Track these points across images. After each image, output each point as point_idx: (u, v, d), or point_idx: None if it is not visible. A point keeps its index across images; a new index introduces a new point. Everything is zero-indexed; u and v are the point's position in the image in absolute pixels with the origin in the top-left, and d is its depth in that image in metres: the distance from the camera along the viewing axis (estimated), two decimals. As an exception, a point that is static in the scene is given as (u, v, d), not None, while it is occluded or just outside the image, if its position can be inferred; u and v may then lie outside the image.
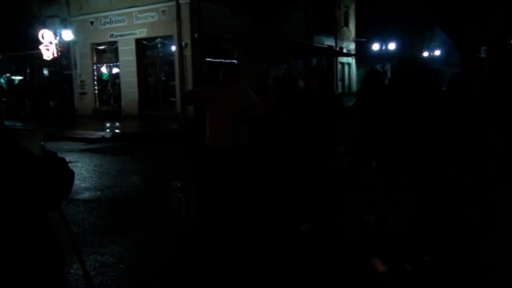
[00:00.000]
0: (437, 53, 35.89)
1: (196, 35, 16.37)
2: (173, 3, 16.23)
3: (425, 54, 36.83)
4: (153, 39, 17.50)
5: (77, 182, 7.04)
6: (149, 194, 6.41)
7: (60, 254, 1.78)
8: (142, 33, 17.33)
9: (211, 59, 17.86)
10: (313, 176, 4.59)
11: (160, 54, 17.99)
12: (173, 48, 16.83)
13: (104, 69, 19.56)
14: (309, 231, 4.45)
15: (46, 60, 17.19)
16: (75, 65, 19.55)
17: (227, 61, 18.82)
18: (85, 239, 4.50)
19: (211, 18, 16.82)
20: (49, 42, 15.54)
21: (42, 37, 15.56)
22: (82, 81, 19.38)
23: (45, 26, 17.53)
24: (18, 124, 15.87)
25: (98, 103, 19.42)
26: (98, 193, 6.30)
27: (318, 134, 4.52)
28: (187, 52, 16.46)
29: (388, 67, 36.24)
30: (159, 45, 17.76)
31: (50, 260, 1.72)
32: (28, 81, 21.64)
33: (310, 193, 4.64)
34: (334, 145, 4.75)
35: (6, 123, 8.74)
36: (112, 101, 19.22)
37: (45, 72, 21.31)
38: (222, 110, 4.32)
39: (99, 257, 4.01)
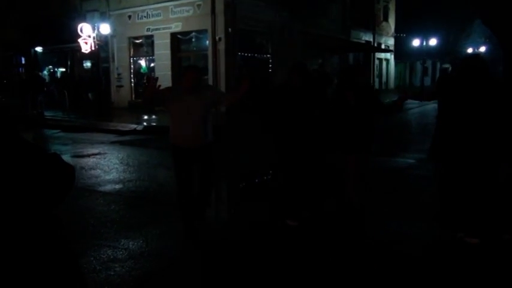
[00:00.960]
0: (482, 49, 34.41)
1: (230, 30, 16.42)
2: (208, -3, 16.29)
3: (470, 50, 35.39)
4: (187, 33, 17.65)
5: (100, 173, 7.22)
6: (169, 189, 6.45)
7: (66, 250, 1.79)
8: (177, 27, 17.50)
9: (245, 53, 17.86)
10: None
11: (195, 49, 18.13)
12: (207, 42, 16.91)
13: (142, 63, 19.90)
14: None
15: (86, 53, 17.74)
16: (113, 58, 20.02)
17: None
18: (100, 232, 4.58)
19: (245, 12, 16.79)
20: (87, 36, 15.94)
21: (81, 31, 15.97)
22: (119, 74, 19.83)
23: (85, 20, 18.06)
24: (58, 114, 16.47)
25: (133, 96, 19.82)
26: (120, 186, 6.40)
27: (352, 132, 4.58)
28: (221, 46, 16.49)
29: (429, 63, 35.15)
30: (193, 40, 17.89)
31: (52, 254, 1.73)
32: (69, 73, 22.37)
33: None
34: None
35: (48, 113, 9.23)
36: (147, 94, 19.52)
37: (85, 65, 21.97)
38: (190, 113, 4.28)
39: (109, 251, 4.07)
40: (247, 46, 17.84)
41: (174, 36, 17.82)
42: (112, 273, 3.63)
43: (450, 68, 28.87)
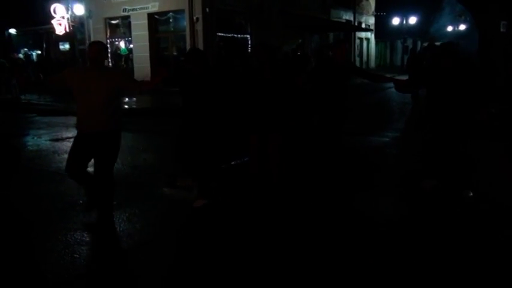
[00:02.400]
0: (462, 27, 34.66)
1: (207, 9, 16.23)
2: (185, -24, 16.02)
3: (450, 29, 35.64)
4: (165, 13, 17.41)
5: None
6: (141, 172, 6.44)
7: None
8: (154, 7, 17.25)
9: (224, 34, 17.70)
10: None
11: (172, 29, 17.91)
12: (185, 22, 16.70)
13: (122, 44, 19.56)
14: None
15: (61, 35, 17.39)
16: (90, 39, 19.63)
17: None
18: (69, 215, 4.57)
19: (223, -9, 16.61)
20: (61, 17, 15.63)
21: (54, 12, 15.69)
22: (96, 56, 19.48)
23: (59, 0, 17.65)
24: (33, 98, 16.17)
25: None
26: (91, 169, 6.35)
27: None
28: (199, 27, 16.32)
29: (409, 42, 35.24)
30: (171, 20, 17.66)
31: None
32: (45, 56, 21.92)
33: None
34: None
35: (24, 97, 8.91)
36: (126, 76, 19.29)
37: (62, 47, 21.53)
38: (92, 93, 4.07)
39: (76, 234, 4.07)
40: (226, 26, 17.68)
41: (151, 16, 17.57)
42: (77, 255, 3.65)
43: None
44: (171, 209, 4.85)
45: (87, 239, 4.00)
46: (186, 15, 16.38)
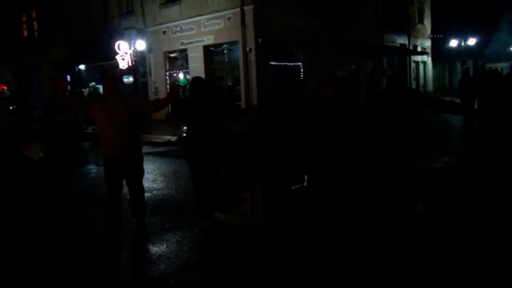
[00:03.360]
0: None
1: (260, 40, 16.74)
2: (238, 9, 16.69)
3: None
4: (219, 45, 18.14)
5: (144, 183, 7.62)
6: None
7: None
8: (209, 40, 18.04)
9: (276, 63, 18.11)
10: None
11: (227, 60, 18.58)
12: (238, 53, 17.31)
13: (181, 75, 20.50)
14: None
15: (124, 69, 18.60)
16: (150, 72, 20.83)
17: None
18: (121, 236, 4.92)
19: (275, 22, 17.07)
20: (124, 53, 16.74)
21: (118, 48, 16.81)
22: (156, 88, 20.58)
23: (123, 37, 18.96)
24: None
25: (170, 108, 20.44)
26: (147, 194, 6.73)
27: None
28: (252, 57, 16.83)
29: (470, 64, 34.01)
30: (225, 51, 18.35)
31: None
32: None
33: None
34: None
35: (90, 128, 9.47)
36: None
37: (126, 80, 22.93)
38: (115, 118, 4.56)
39: (127, 253, 4.39)
40: (278, 55, 18.10)
41: (206, 48, 18.36)
42: (127, 275, 3.94)
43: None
44: (220, 233, 5.06)
45: (137, 259, 4.29)
46: (240, 46, 16.98)
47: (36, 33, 28.21)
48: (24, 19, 28.78)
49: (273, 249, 4.43)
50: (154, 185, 7.43)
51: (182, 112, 5.28)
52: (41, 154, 2.61)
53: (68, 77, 25.18)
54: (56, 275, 2.10)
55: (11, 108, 16.16)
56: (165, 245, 4.62)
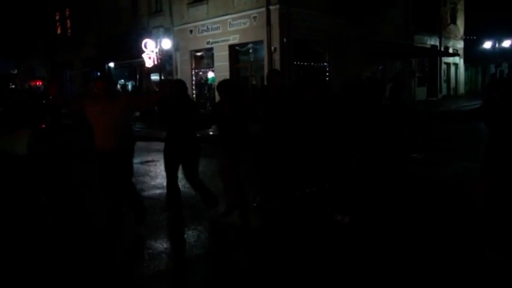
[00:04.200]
0: None
1: (284, 40, 16.69)
2: (263, 9, 16.68)
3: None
4: (245, 45, 18.19)
5: (148, 179, 7.77)
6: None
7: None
8: (235, 39, 18.11)
9: (301, 63, 18.02)
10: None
11: (252, 59, 18.62)
12: (263, 53, 17.30)
13: (210, 74, 20.64)
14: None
15: (152, 67, 18.97)
16: (177, 71, 21.09)
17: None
18: (129, 231, 5.01)
19: (300, 22, 16.99)
20: (151, 51, 17.01)
21: (145, 46, 17.10)
22: (182, 86, 20.78)
23: (151, 36, 19.28)
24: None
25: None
26: (161, 191, 6.81)
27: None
28: (276, 56, 16.80)
29: (505, 67, 32.90)
30: (250, 51, 18.39)
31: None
32: (138, 86, 23.88)
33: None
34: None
35: None
36: (208, 104, 20.35)
37: (153, 78, 23.33)
38: (107, 120, 4.70)
39: (132, 248, 4.45)
40: (303, 55, 17.99)
41: (232, 48, 18.45)
42: (129, 267, 4.00)
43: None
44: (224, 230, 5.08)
45: (141, 253, 4.36)
46: (265, 45, 16.98)
47: (69, 31, 29.03)
48: (57, 17, 29.67)
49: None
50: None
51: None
52: (31, 140, 2.74)
53: (98, 73, 25.88)
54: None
55: (44, 102, 16.66)
56: (171, 240, 4.69)
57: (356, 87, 5.44)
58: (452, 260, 4.02)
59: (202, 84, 20.82)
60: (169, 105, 5.29)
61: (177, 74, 21.02)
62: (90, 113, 4.85)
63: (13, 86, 32.87)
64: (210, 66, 19.95)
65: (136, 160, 9.86)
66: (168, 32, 20.26)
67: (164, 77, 20.12)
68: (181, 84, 5.66)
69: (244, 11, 17.43)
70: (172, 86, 5.48)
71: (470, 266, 3.88)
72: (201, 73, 20.83)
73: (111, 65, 24.32)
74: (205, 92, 20.80)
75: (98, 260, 4.25)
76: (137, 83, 24.01)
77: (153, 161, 9.73)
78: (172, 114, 5.28)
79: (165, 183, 7.22)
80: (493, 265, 3.84)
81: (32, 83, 32.05)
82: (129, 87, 25.13)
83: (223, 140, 5.45)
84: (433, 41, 25.73)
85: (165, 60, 19.73)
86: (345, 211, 5.03)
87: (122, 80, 25.52)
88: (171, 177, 5.51)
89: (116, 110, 4.77)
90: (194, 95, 20.65)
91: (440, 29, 25.94)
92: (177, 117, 5.26)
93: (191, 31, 19.78)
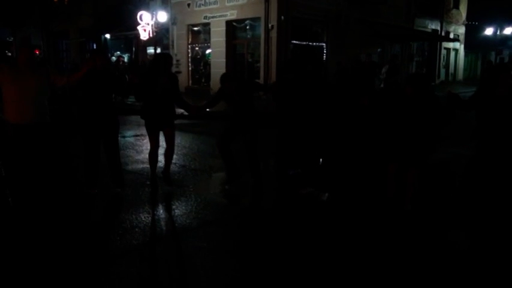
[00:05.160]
0: None
1: (282, 17, 16.43)
2: (262, -16, 16.37)
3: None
4: (242, 21, 17.90)
5: (133, 153, 7.71)
6: (189, 172, 6.74)
7: None
8: (232, 15, 17.81)
9: (299, 42, 17.77)
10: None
11: (249, 36, 18.35)
12: (261, 30, 17.04)
13: (208, 50, 20.31)
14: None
15: (149, 40, 18.66)
16: (173, 45, 20.78)
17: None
18: (107, 207, 4.97)
19: (299, 0, 16.71)
20: (146, 23, 16.71)
21: (141, 18, 16.78)
22: (177, 61, 20.53)
23: (147, 7, 18.92)
24: (117, 98, 17.38)
25: (190, 82, 20.49)
26: (144, 165, 6.78)
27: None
28: (273, 34, 16.58)
29: (505, 54, 32.63)
30: (247, 27, 18.12)
31: None
32: (133, 59, 23.58)
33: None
34: None
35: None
36: (203, 80, 20.18)
37: (149, 51, 22.99)
38: (24, 87, 4.55)
39: (107, 224, 4.42)
40: (301, 34, 17.75)
41: (229, 23, 18.16)
42: (100, 242, 3.97)
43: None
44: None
45: (115, 228, 4.33)
46: (262, 22, 16.72)
47: (66, 0, 28.46)
48: (54, -15, 29.06)
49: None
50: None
51: None
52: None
53: (94, 45, 25.51)
54: None
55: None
56: (144, 216, 4.66)
57: (345, 71, 5.46)
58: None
59: (198, 59, 20.57)
60: (149, 79, 5.28)
61: (173, 48, 20.73)
62: (7, 81, 4.63)
63: (9, 54, 32.44)
64: (207, 41, 19.66)
65: (127, 134, 9.88)
66: (165, 4, 19.90)
67: (160, 50, 19.85)
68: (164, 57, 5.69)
69: (242, -15, 17.09)
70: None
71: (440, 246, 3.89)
72: (197, 48, 20.55)
73: (107, 36, 23.97)
74: (201, 67, 20.57)
75: (64, 235, 4.23)
76: (133, 56, 23.70)
77: (142, 135, 9.63)
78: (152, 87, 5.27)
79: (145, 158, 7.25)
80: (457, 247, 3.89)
81: (28, 52, 31.56)
82: (126, 59, 24.80)
83: (237, 121, 5.64)
84: (434, 25, 25.38)
85: (161, 34, 19.43)
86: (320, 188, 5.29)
87: (118, 52, 25.18)
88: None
89: (37, 81, 4.69)
90: (190, 70, 20.46)
91: (442, 13, 25.56)
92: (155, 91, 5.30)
93: (189, 5, 19.42)
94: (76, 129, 5.33)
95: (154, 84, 5.26)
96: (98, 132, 5.19)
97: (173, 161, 6.14)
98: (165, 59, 5.56)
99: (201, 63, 20.55)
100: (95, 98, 5.13)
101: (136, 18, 18.43)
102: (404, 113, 4.57)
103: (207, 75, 19.74)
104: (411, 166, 4.67)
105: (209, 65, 19.58)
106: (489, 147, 4.47)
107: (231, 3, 17.67)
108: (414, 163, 4.66)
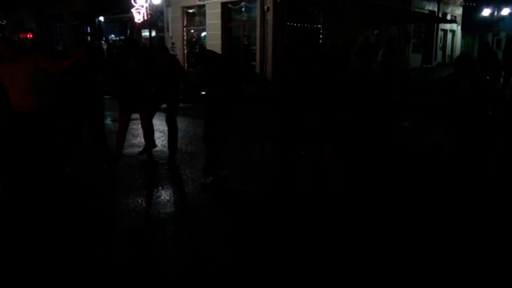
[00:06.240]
0: None
1: (278, -1, 16.26)
2: (258, -35, 16.16)
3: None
4: (237, 2, 17.71)
5: (129, 137, 7.68)
6: (184, 155, 6.77)
7: None
8: (228, -4, 17.62)
9: (295, 24, 17.62)
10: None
11: (244, 18, 18.18)
12: (256, 12, 16.88)
13: (204, 33, 20.10)
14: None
15: (144, 23, 18.46)
16: (168, 27, 20.58)
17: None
18: (104, 190, 4.99)
19: (296, -20, 16.53)
20: (140, 6, 16.51)
21: (135, 1, 16.57)
22: (173, 44, 20.37)
23: (141, -10, 18.66)
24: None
25: (186, 65, 20.33)
26: (140, 149, 6.80)
27: None
28: (269, 16, 16.42)
29: (502, 36, 32.44)
30: (243, 9, 17.94)
31: None
32: (128, 42, 23.33)
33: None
34: None
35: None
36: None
37: (144, 34, 22.75)
38: (17, 80, 4.69)
39: (105, 207, 4.45)
40: (297, 16, 17.57)
41: (224, 5, 17.95)
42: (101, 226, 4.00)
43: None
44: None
45: (113, 212, 4.36)
46: (258, 4, 16.55)
47: (59, -20, 28.02)
48: (47, -33, 28.56)
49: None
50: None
51: None
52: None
53: (88, 28, 25.21)
54: None
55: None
56: (144, 199, 4.69)
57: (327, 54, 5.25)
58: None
59: (194, 42, 20.39)
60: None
61: (168, 30, 20.54)
62: (3, 76, 4.84)
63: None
64: (202, 24, 19.47)
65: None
66: (159, -14, 19.62)
67: (155, 33, 19.68)
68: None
69: (238, -34, 16.87)
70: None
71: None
72: (192, 31, 20.36)
73: (102, 19, 23.68)
74: (197, 50, 20.37)
75: (61, 219, 4.26)
76: (128, 39, 23.45)
77: (137, 119, 9.59)
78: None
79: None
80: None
81: (21, 35, 31.23)
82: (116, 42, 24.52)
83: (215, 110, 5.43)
84: (431, 7, 25.17)
85: (156, 16, 19.23)
86: None
87: (113, 35, 24.94)
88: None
89: (27, 71, 4.77)
90: (185, 53, 20.30)
91: (439, -6, 25.33)
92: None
93: (183, -14, 19.18)
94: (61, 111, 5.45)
95: (123, 69, 5.59)
96: (80, 113, 5.44)
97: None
98: (127, 43, 5.88)
99: (196, 46, 20.37)
100: (75, 81, 5.35)
101: (131, 1, 18.21)
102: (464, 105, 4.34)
103: (203, 58, 19.55)
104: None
105: (205, 48, 19.39)
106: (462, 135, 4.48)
107: (227, -15, 17.47)
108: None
